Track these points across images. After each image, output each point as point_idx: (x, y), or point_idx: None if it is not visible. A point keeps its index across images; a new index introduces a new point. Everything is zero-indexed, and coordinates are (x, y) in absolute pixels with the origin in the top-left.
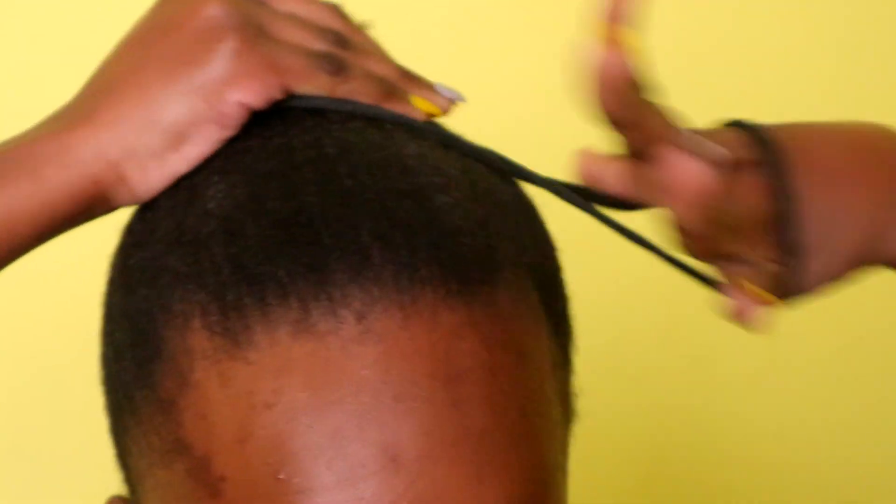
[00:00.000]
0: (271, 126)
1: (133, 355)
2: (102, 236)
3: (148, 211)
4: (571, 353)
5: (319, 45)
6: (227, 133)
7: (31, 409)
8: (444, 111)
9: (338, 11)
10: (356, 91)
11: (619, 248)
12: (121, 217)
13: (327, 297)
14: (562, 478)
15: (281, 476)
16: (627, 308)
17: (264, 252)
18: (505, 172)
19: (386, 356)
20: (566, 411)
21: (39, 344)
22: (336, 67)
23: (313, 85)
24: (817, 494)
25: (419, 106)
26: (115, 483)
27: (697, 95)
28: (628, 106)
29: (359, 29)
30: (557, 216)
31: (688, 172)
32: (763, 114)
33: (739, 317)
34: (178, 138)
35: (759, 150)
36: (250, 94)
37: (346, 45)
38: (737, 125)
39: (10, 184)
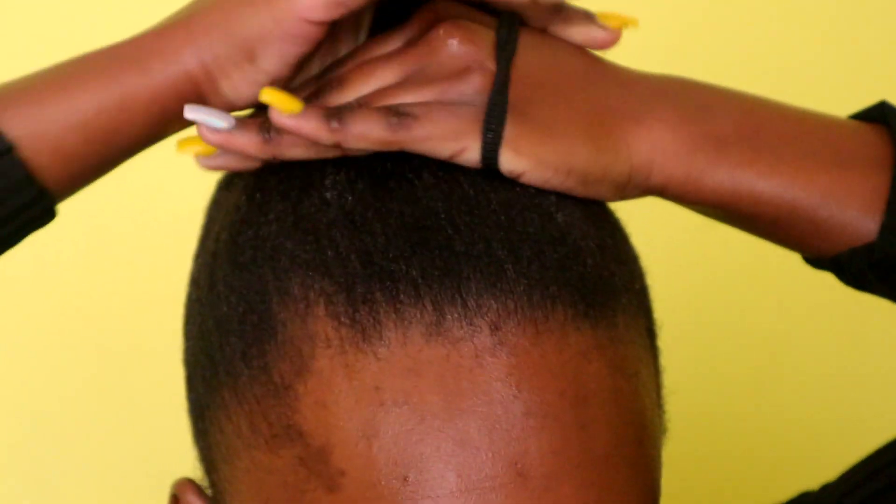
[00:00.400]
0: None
1: (241, 332)
2: (103, 235)
3: (257, 191)
4: (662, 379)
5: None
6: (298, 49)
7: (30, 409)
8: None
9: None
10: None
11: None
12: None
13: (462, 304)
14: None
15: (409, 478)
16: None
17: (395, 249)
18: None
19: (518, 370)
20: (663, 439)
21: (40, 343)
22: None
23: None
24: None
25: (609, 23)
26: (114, 483)
27: None
28: None
29: None
30: None
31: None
32: None
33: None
34: (251, 52)
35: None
36: (312, 8)
37: None
38: None
39: (121, 73)
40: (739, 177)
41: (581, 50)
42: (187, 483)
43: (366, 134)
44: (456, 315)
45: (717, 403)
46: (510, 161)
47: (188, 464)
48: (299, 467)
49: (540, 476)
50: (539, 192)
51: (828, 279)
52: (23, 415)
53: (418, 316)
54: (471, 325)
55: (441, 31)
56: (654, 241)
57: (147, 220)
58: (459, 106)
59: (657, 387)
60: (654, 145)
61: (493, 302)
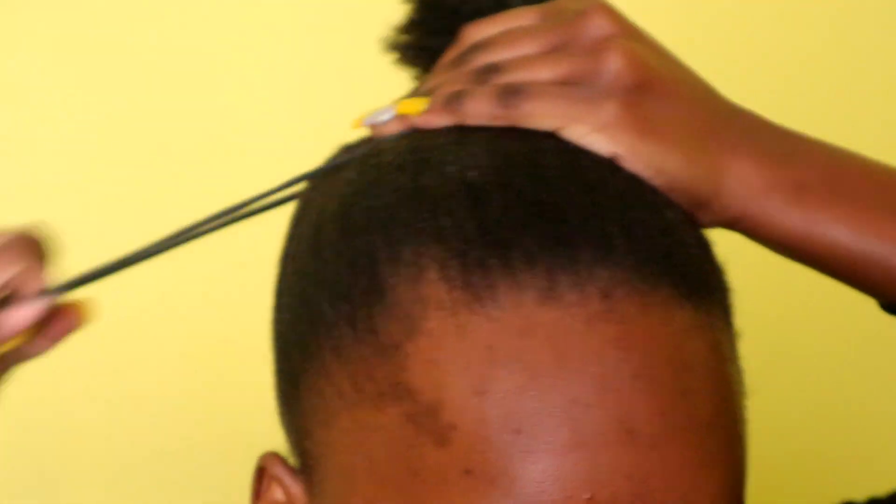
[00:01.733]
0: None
1: (348, 294)
2: (103, 235)
3: (371, 168)
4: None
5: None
6: None
7: (30, 409)
8: None
9: None
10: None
11: None
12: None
13: (574, 272)
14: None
15: (519, 431)
16: None
17: (511, 221)
18: None
19: (627, 336)
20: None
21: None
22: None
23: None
24: (818, 493)
25: None
26: (113, 485)
27: None
28: None
29: None
30: None
31: None
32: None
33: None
34: None
35: None
36: None
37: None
38: None
39: None
40: (814, 220)
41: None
42: (274, 456)
43: (479, 112)
44: (568, 282)
45: None
46: (602, 143)
47: (189, 464)
48: (407, 423)
49: (647, 435)
50: (651, 191)
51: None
52: (23, 415)
53: (532, 281)
54: (582, 291)
55: (589, 9)
56: None
57: (148, 220)
58: (576, 87)
59: (741, 381)
60: (741, 178)
61: (604, 271)
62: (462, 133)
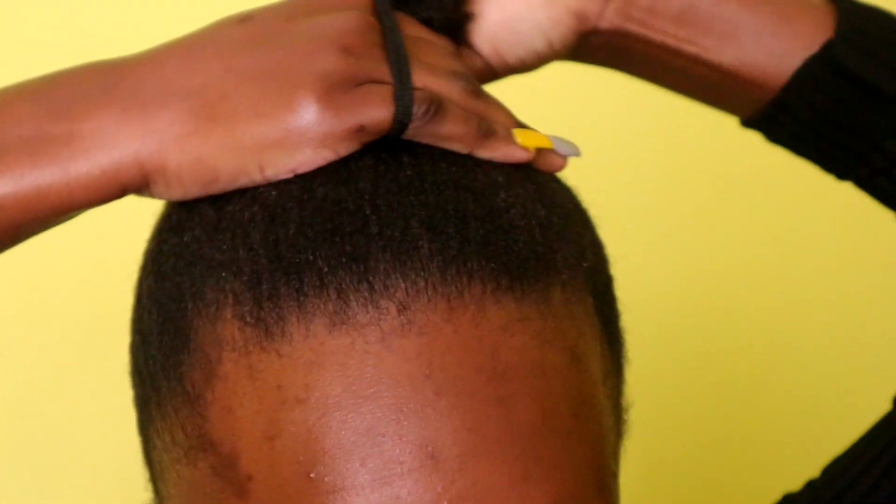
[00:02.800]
0: None
1: (161, 344)
2: (103, 237)
3: (184, 202)
4: (623, 365)
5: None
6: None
7: (30, 409)
8: (560, 168)
9: (458, 53)
10: (448, 134)
11: (622, 248)
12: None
13: (368, 288)
14: (614, 484)
15: (312, 475)
16: (628, 309)
17: (305, 239)
18: None
19: (428, 349)
20: (618, 422)
21: (40, 344)
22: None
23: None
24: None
25: (525, 142)
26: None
27: None
28: None
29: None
30: None
31: None
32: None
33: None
34: (212, 181)
35: None
36: (305, 164)
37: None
38: None
39: (40, 170)
40: (688, 34)
41: None
42: None
43: None
44: (361, 300)
45: (718, 404)
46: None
47: None
48: (214, 477)
49: (453, 456)
50: (488, 172)
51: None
52: (23, 415)
53: (322, 306)
54: (376, 307)
55: None
56: (655, 240)
57: (148, 220)
58: None
59: (603, 366)
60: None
61: (401, 281)
62: None
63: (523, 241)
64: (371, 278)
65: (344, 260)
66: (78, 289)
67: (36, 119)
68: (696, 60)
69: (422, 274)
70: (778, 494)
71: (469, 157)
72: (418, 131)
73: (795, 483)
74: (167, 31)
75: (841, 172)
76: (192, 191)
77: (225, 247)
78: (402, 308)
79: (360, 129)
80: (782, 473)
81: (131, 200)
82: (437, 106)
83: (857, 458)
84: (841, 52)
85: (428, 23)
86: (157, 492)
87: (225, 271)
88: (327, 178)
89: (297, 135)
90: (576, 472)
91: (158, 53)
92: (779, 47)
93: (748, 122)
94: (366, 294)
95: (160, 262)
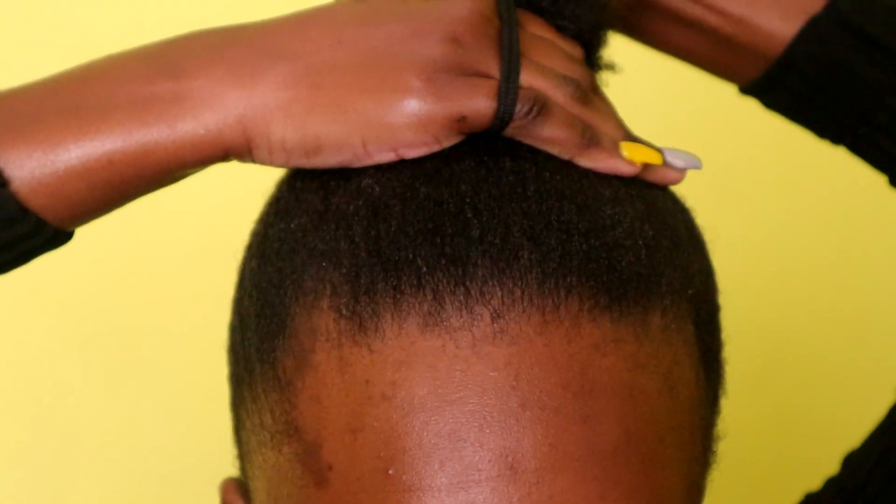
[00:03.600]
0: None
1: (258, 327)
2: (104, 235)
3: (298, 180)
4: (720, 396)
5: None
6: (357, 164)
7: (30, 409)
8: (675, 181)
9: (582, 60)
10: (552, 139)
11: None
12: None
13: (464, 292)
14: None
15: (391, 472)
16: None
17: (406, 237)
18: None
19: (518, 359)
20: (706, 452)
21: (41, 343)
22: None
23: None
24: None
25: (632, 156)
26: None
27: (697, 95)
28: None
29: (596, 86)
30: None
31: None
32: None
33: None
34: (315, 149)
35: None
36: (412, 148)
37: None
38: None
39: (147, 128)
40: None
41: None
42: (230, 482)
43: None
44: (456, 303)
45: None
46: None
47: (188, 464)
48: (296, 463)
49: (532, 469)
50: (595, 185)
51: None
52: (23, 415)
53: (417, 306)
54: (471, 313)
55: None
56: None
57: (148, 220)
58: None
59: (698, 395)
60: None
61: (497, 289)
62: None
63: (627, 261)
64: (468, 283)
65: (443, 261)
66: (78, 290)
67: (146, 77)
68: (710, 7)
69: (519, 283)
70: (780, 494)
71: (575, 168)
72: (519, 130)
73: (795, 483)
74: (167, 30)
75: (838, 135)
76: (294, 158)
77: (328, 237)
78: (496, 316)
79: (462, 119)
80: (783, 473)
81: (134, 202)
82: (541, 106)
83: (874, 447)
84: (846, 8)
85: (561, 30)
86: (243, 469)
87: (326, 261)
88: (429, 177)
89: (399, 114)
90: (652, 497)
91: (272, 22)
92: (787, 3)
93: (749, 87)
94: (461, 298)
95: (265, 245)
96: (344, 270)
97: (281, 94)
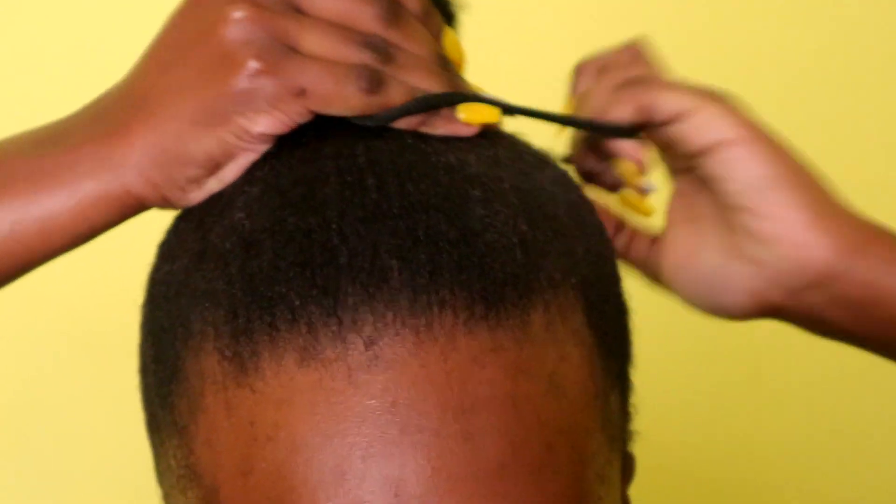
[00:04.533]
0: (305, 129)
1: (155, 372)
2: (104, 238)
3: (181, 221)
4: (627, 371)
5: (355, 56)
6: (257, 156)
7: (30, 409)
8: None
9: (383, 5)
10: (393, 104)
11: None
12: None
13: (337, 322)
14: None
15: None
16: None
17: (278, 272)
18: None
19: (394, 385)
20: (611, 437)
21: (41, 344)
22: (370, 85)
23: (344, 106)
24: (817, 495)
25: (469, 118)
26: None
27: None
28: None
29: (408, 23)
30: None
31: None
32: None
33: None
34: (213, 168)
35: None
36: (272, 124)
37: (386, 55)
38: None
39: (46, 195)
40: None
41: None
42: None
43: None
44: (329, 334)
45: (717, 404)
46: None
47: None
48: None
49: (417, 495)
50: (461, 190)
51: None
52: (23, 415)
53: (293, 341)
54: (344, 342)
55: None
56: None
57: (149, 220)
58: None
59: (595, 384)
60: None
61: (369, 315)
62: (260, 165)
63: (500, 263)
64: (340, 312)
65: (314, 293)
66: (78, 290)
67: (42, 154)
68: None
69: (391, 306)
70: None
71: (442, 173)
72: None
73: (795, 483)
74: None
75: None
76: (179, 190)
77: (208, 276)
78: (370, 343)
79: (301, 93)
80: (783, 473)
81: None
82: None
83: None
84: None
85: None
86: None
87: (208, 302)
88: (296, 206)
89: (244, 97)
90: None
91: (131, 70)
92: None
93: None
94: (334, 328)
95: (154, 289)
96: (223, 311)
97: (152, 138)
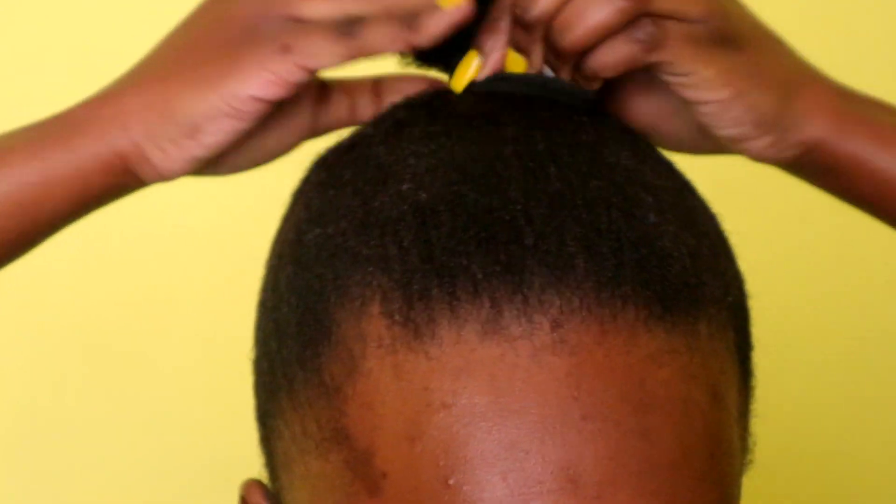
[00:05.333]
0: (477, 109)
1: (299, 334)
2: (105, 235)
3: (331, 188)
4: (751, 401)
5: (336, 10)
6: (245, 125)
7: (30, 409)
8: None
9: None
10: (374, 44)
11: None
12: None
13: (523, 300)
14: None
15: (451, 482)
16: None
17: (459, 244)
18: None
19: (578, 370)
20: (742, 463)
21: (41, 344)
22: (344, 31)
23: (328, 55)
24: (817, 495)
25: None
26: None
27: None
28: None
29: None
30: None
31: None
32: None
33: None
34: (194, 130)
35: None
36: (260, 86)
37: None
38: None
39: (43, 150)
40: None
41: None
42: (254, 484)
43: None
44: (515, 312)
45: None
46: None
47: (188, 464)
48: (346, 471)
49: (593, 483)
50: (635, 192)
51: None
52: (23, 415)
53: (475, 313)
54: (530, 321)
55: None
56: None
57: (149, 220)
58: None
59: (739, 404)
60: (818, 103)
61: (556, 298)
62: (425, 141)
63: (676, 270)
64: (526, 291)
65: (498, 269)
66: (79, 290)
67: (41, 125)
68: None
69: (577, 293)
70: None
71: (619, 175)
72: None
73: (794, 484)
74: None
75: None
76: (184, 148)
77: (374, 242)
78: (556, 325)
79: (286, 49)
80: (783, 473)
81: (129, 201)
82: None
83: None
84: None
85: None
86: (276, 479)
87: (373, 266)
88: (476, 183)
89: (234, 65)
90: None
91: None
92: None
93: None
94: (519, 306)
95: (301, 251)
96: (395, 276)
97: (141, 98)
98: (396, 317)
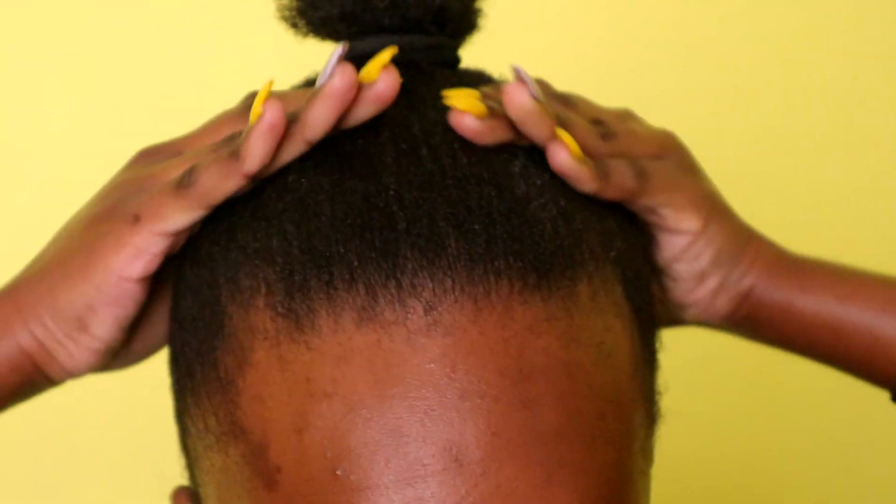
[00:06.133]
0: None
1: (195, 329)
2: None
3: None
4: (656, 348)
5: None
6: (126, 311)
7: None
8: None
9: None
10: (211, 186)
11: None
12: None
13: (396, 285)
14: (642, 483)
15: (338, 472)
16: None
17: (337, 233)
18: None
19: (454, 350)
20: (649, 412)
21: None
22: (182, 183)
23: (175, 214)
24: (817, 495)
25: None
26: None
27: (700, 94)
28: None
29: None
30: None
31: None
32: (764, 112)
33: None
34: (81, 322)
35: None
36: (124, 264)
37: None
38: None
39: None
40: (822, 301)
41: None
42: (181, 490)
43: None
44: (389, 297)
45: (715, 405)
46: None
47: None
48: (244, 466)
49: (477, 460)
50: (504, 164)
51: None
52: (23, 415)
53: (351, 301)
54: (403, 306)
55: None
56: None
57: None
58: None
59: (635, 357)
60: (760, 250)
61: (428, 280)
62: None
63: (548, 235)
64: (399, 276)
65: (373, 255)
66: None
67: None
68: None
69: (449, 273)
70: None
71: (486, 148)
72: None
73: (795, 484)
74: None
75: None
76: (59, 346)
77: (259, 234)
78: (429, 308)
79: (136, 219)
80: (784, 473)
81: None
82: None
83: None
84: None
85: None
86: (193, 478)
87: (259, 259)
88: (354, 171)
89: (94, 250)
90: (600, 474)
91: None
92: None
93: None
94: (393, 291)
95: (196, 248)
96: (277, 268)
97: (33, 293)
98: (279, 308)
